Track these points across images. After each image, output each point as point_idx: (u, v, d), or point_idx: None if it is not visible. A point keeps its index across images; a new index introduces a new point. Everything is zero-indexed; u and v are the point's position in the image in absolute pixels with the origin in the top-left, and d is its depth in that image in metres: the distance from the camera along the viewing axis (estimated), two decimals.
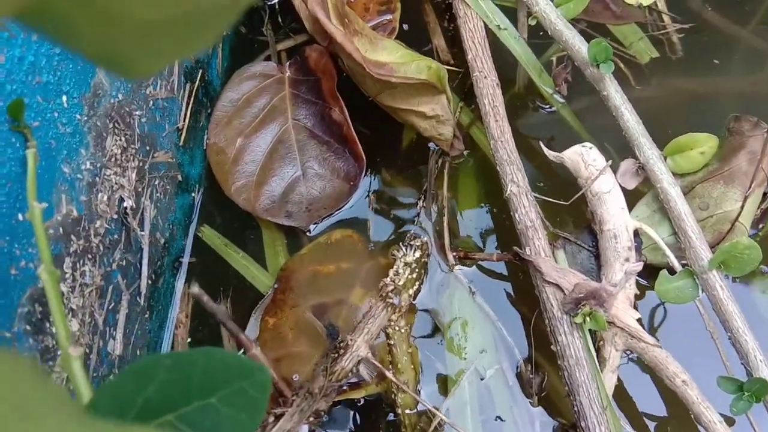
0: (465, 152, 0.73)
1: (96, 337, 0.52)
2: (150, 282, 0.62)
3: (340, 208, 0.71)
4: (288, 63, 0.76)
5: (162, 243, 0.64)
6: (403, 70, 0.66)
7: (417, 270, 0.63)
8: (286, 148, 0.72)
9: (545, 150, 0.63)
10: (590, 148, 0.60)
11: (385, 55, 0.68)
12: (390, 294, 0.60)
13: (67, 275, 0.48)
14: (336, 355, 0.56)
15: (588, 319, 0.51)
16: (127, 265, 0.57)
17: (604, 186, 0.58)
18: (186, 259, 0.69)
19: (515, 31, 0.71)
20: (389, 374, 0.56)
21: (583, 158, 0.60)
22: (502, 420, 0.60)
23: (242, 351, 0.59)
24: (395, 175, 0.74)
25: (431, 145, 0.74)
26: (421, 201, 0.71)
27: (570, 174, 0.61)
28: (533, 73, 0.70)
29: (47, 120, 0.46)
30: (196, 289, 0.36)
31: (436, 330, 0.65)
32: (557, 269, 0.54)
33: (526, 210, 0.58)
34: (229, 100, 0.74)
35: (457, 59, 0.81)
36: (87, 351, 0.51)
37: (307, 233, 0.70)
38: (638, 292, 0.58)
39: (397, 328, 0.61)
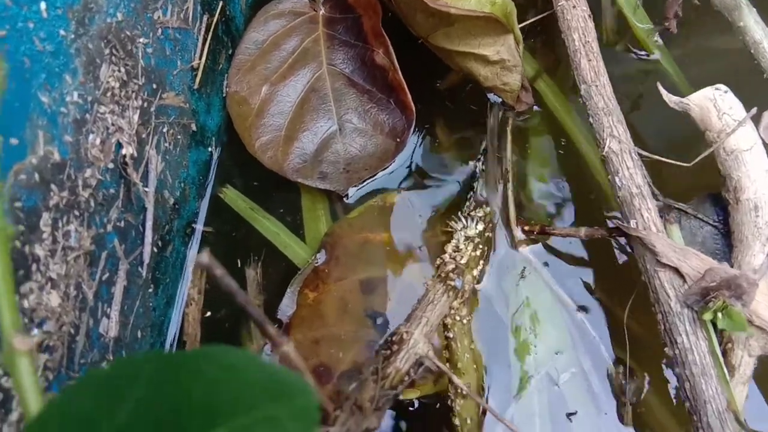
0: (534, 107, 0.61)
1: (84, 314, 0.42)
2: (156, 250, 0.51)
3: (384, 169, 0.59)
4: None
5: (171, 203, 0.53)
6: (461, 4, 0.54)
7: (481, 246, 0.52)
8: (320, 98, 0.61)
9: (664, 94, 0.50)
10: (725, 91, 0.48)
11: None
12: (451, 274, 0.48)
13: (45, 235, 0.37)
14: (388, 352, 0.45)
15: (721, 315, 0.39)
16: (126, 228, 0.46)
17: (743, 142, 0.46)
18: (200, 225, 0.59)
19: None
20: (453, 376, 0.44)
21: (716, 104, 0.48)
22: None
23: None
24: (448, 133, 0.62)
25: (491, 96, 0.62)
26: (480, 164, 0.59)
27: (678, 131, 0.48)
28: (627, 8, 0.57)
29: (18, 30, 0.35)
30: (205, 258, 0.26)
31: (498, 322, 0.53)
32: (676, 249, 0.42)
33: (631, 172, 0.46)
34: (253, 41, 0.63)
35: None
36: (71, 332, 0.40)
37: (345, 198, 0.59)
38: None
39: (458, 318, 0.49)
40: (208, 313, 0.56)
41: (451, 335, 0.49)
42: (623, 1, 0.58)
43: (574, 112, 0.61)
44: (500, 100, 0.61)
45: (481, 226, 0.53)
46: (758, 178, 0.45)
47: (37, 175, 0.37)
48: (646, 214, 0.45)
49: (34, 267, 0.36)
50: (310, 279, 0.54)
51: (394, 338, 0.46)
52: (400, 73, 0.58)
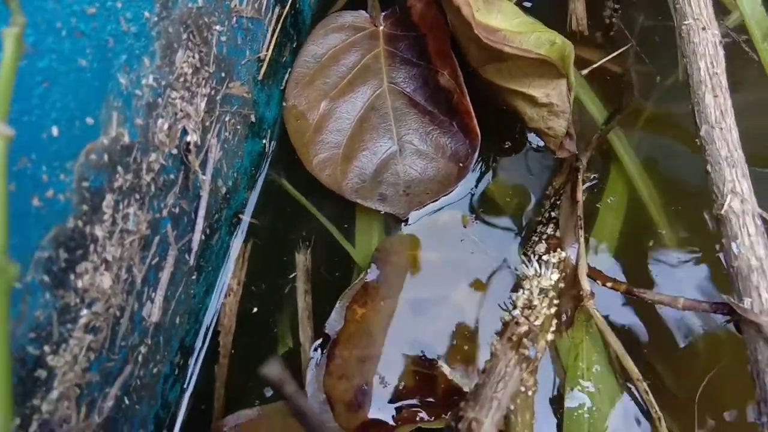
0: (583, 162, 0.59)
1: (131, 297, 0.41)
2: (204, 237, 0.51)
3: (446, 194, 0.58)
4: (383, 14, 0.62)
5: (223, 193, 0.53)
6: (518, 41, 0.52)
7: (556, 302, 0.47)
8: (380, 117, 0.59)
9: None
10: None
11: (499, 20, 0.54)
12: (524, 340, 0.43)
13: (106, 216, 0.37)
14: None
15: None
16: (180, 214, 0.46)
17: None
18: (248, 217, 0.58)
19: None
20: None
21: None
22: None
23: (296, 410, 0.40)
24: (506, 167, 0.60)
25: (532, 138, 0.61)
26: (550, 206, 0.56)
27: None
28: (757, 35, 0.54)
29: (107, 9, 0.35)
30: (275, 369, 0.23)
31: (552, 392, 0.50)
32: None
33: (752, 240, 0.40)
34: (312, 54, 0.61)
35: (593, 34, 0.67)
36: (117, 314, 0.40)
37: (404, 223, 0.58)
38: None
39: (522, 389, 0.44)
40: (255, 309, 0.55)
41: (512, 407, 0.44)
42: (754, 24, 0.54)
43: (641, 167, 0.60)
44: (543, 143, 0.59)
45: (556, 276, 0.48)
46: None
47: (106, 156, 0.36)
48: (765, 294, 0.39)
49: (91, 248, 0.36)
50: (360, 294, 0.53)
51: (460, 425, 0.40)
52: (467, 96, 0.57)
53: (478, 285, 0.55)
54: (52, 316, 0.34)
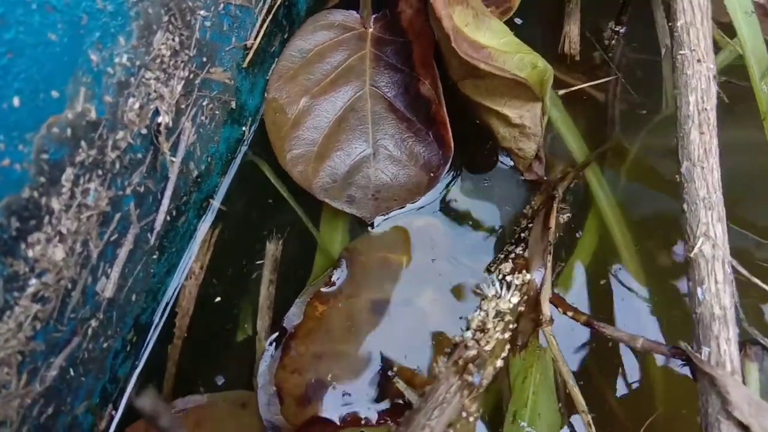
0: (544, 178, 0.59)
1: (84, 271, 0.42)
2: (168, 218, 0.51)
3: (414, 202, 0.58)
4: (373, 17, 0.62)
5: (194, 176, 0.53)
6: (501, 60, 0.53)
7: (510, 327, 0.45)
8: (358, 119, 0.60)
9: None
10: None
11: (487, 37, 0.54)
12: (470, 366, 0.42)
13: (64, 190, 0.37)
14: None
15: None
16: (144, 193, 0.46)
17: None
18: (218, 203, 0.59)
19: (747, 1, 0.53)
20: None
21: None
22: None
23: None
24: (475, 182, 0.61)
25: (503, 158, 0.61)
26: (523, 228, 0.57)
27: None
28: (755, 72, 0.51)
29: None
30: (148, 401, 0.23)
31: (493, 410, 0.49)
32: (751, 401, 0.36)
33: (719, 288, 0.39)
34: (298, 49, 0.61)
35: (585, 58, 0.67)
36: (68, 286, 0.40)
37: (370, 227, 0.58)
38: None
39: (464, 415, 0.43)
40: (218, 299, 0.56)
41: (451, 431, 0.43)
42: (754, 61, 0.51)
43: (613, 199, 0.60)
44: (513, 163, 0.60)
45: (516, 299, 0.48)
46: None
47: (69, 131, 0.37)
48: (723, 346, 0.38)
49: (46, 219, 0.37)
50: (322, 292, 0.54)
51: None
52: (444, 107, 0.57)
53: (444, 293, 0.55)
54: None
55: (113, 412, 0.51)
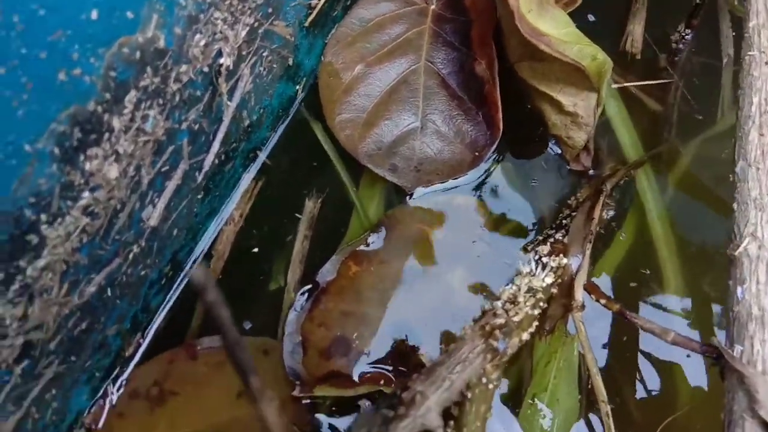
0: (590, 171, 0.59)
1: (134, 195, 0.43)
2: (217, 162, 0.52)
3: (455, 178, 0.59)
4: None
5: (245, 125, 0.55)
6: (561, 48, 0.53)
7: (541, 304, 0.46)
8: (410, 92, 0.60)
9: None
10: None
11: (548, 26, 0.55)
12: (497, 332, 0.42)
13: (126, 111, 0.39)
14: (391, 413, 0.38)
15: None
16: (198, 131, 0.48)
17: None
18: (264, 156, 0.60)
19: None
20: None
21: None
22: None
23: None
24: (518, 168, 0.61)
25: (551, 147, 0.61)
26: (568, 214, 0.57)
27: None
28: None
29: None
30: (200, 274, 0.24)
31: (513, 392, 0.50)
32: None
33: (759, 289, 0.39)
34: (358, 18, 0.62)
35: (645, 59, 0.66)
36: (117, 207, 0.42)
37: (409, 197, 0.59)
38: None
39: (484, 381, 0.43)
40: (255, 250, 0.57)
41: (469, 395, 0.43)
42: None
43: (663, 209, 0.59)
44: (560, 151, 0.60)
45: (550, 279, 0.48)
46: None
47: (138, 53, 0.38)
48: (757, 346, 0.38)
49: (106, 136, 0.38)
50: (358, 253, 0.55)
51: (404, 395, 0.38)
52: (497, 89, 0.57)
53: (475, 273, 0.56)
54: (55, 189, 0.36)
55: (141, 341, 0.52)
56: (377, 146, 0.59)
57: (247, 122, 0.55)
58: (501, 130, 0.57)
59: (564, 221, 0.55)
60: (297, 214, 0.58)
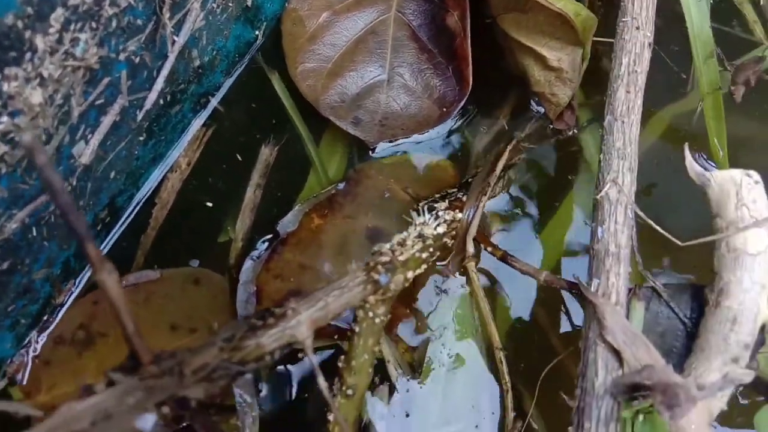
0: (573, 131, 0.57)
1: (63, 127, 0.40)
2: (162, 102, 0.49)
3: (420, 134, 0.56)
4: None
5: (196, 65, 0.51)
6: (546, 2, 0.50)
7: (431, 250, 0.46)
8: (378, 43, 0.58)
9: (687, 157, 0.44)
10: (756, 182, 0.41)
11: None
12: (379, 266, 0.41)
13: (51, 30, 0.35)
14: (260, 323, 0.37)
15: (642, 418, 0.36)
16: (139, 65, 0.44)
17: (752, 244, 0.39)
18: (216, 101, 0.57)
19: None
20: (321, 381, 0.35)
21: (739, 192, 0.41)
22: None
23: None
24: (488, 127, 0.58)
25: (534, 105, 0.58)
26: (468, 177, 0.55)
27: (704, 205, 0.44)
28: (699, 54, 0.54)
29: None
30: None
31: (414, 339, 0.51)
32: (627, 330, 0.38)
33: (617, 228, 0.41)
34: None
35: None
36: (43, 138, 0.39)
37: (371, 151, 0.56)
38: (725, 409, 0.39)
39: (371, 314, 0.43)
40: (205, 200, 0.54)
41: (357, 329, 0.43)
42: (698, 44, 0.54)
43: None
44: (542, 110, 0.57)
45: (441, 229, 0.48)
46: (751, 289, 0.38)
47: None
48: (612, 279, 0.40)
49: (28, 56, 0.35)
50: (322, 205, 0.53)
51: (276, 310, 0.38)
52: (468, 42, 0.55)
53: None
54: None
55: (73, 288, 0.49)
56: (341, 98, 0.56)
57: (197, 62, 0.51)
58: (470, 85, 0.55)
59: (470, 179, 0.54)
60: (247, 169, 0.55)
